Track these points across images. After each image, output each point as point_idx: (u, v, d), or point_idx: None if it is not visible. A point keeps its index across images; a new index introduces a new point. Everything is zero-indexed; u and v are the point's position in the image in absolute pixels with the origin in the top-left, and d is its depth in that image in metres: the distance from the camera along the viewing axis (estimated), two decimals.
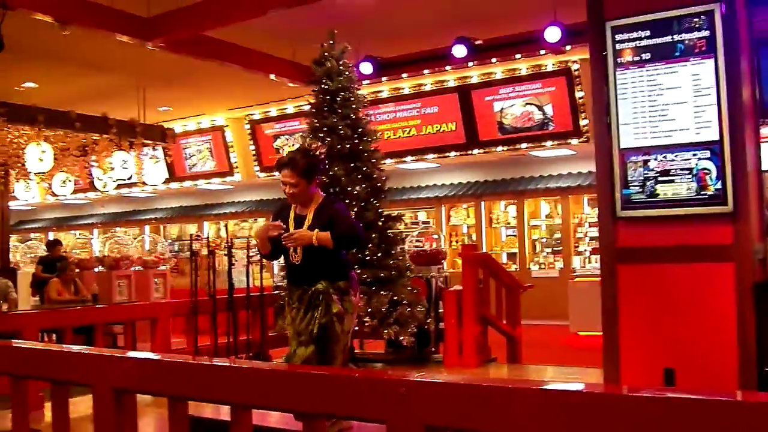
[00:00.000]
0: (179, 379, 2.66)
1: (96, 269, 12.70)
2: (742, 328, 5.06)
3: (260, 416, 3.30)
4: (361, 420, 2.25)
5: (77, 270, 11.21)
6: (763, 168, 6.10)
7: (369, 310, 7.25)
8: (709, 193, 5.25)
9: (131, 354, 3.22)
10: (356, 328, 7.28)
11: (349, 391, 2.18)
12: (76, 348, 3.55)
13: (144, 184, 13.56)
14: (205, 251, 11.05)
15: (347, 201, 7.45)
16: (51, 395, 3.13)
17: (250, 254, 8.90)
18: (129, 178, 12.91)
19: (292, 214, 5.03)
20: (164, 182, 15.80)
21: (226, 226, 10.30)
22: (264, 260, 5.59)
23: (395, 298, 7.42)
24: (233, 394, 2.47)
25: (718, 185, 5.22)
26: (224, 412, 2.64)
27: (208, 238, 12.11)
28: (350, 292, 4.97)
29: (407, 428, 2.03)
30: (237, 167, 17.01)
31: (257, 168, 16.66)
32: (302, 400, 2.27)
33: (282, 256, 5.12)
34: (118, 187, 14.94)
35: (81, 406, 4.13)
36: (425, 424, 2.01)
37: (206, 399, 2.74)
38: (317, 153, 5.02)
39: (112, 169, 12.15)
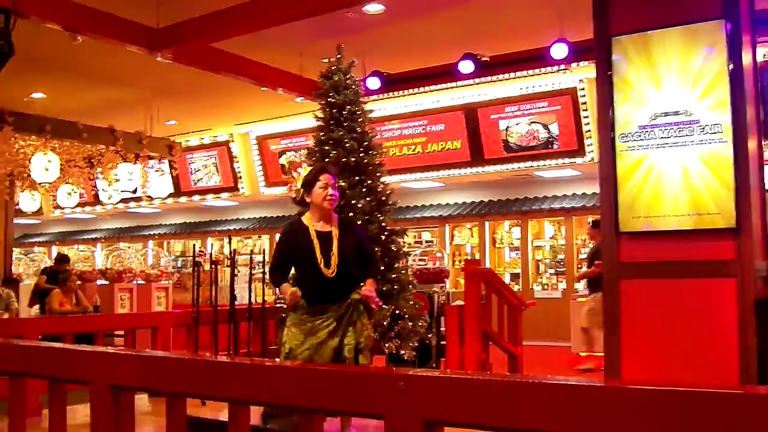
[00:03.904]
0: (177, 376, 2.64)
1: (98, 282, 12.70)
2: (744, 345, 5.04)
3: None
4: (360, 415, 2.23)
5: (79, 282, 11.20)
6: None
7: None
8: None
9: (130, 352, 3.21)
10: None
11: (348, 386, 2.17)
12: (73, 346, 3.55)
13: (149, 197, 13.59)
14: (208, 267, 11.05)
15: (351, 214, 7.45)
16: (48, 394, 3.11)
17: (253, 271, 8.88)
18: (134, 191, 12.95)
19: (313, 233, 5.07)
20: (169, 196, 15.83)
21: (230, 240, 10.27)
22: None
23: (397, 312, 7.40)
24: (231, 390, 2.46)
25: None
26: (223, 414, 2.62)
27: (211, 253, 12.11)
28: None
29: (406, 423, 2.01)
30: (242, 183, 17.03)
31: (262, 184, 16.67)
32: (300, 395, 2.26)
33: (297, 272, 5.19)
34: (123, 201, 14.99)
35: (78, 413, 4.12)
36: (425, 418, 1.99)
37: (204, 396, 2.72)
38: None
39: (117, 180, 12.20)
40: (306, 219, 5.17)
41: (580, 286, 14.12)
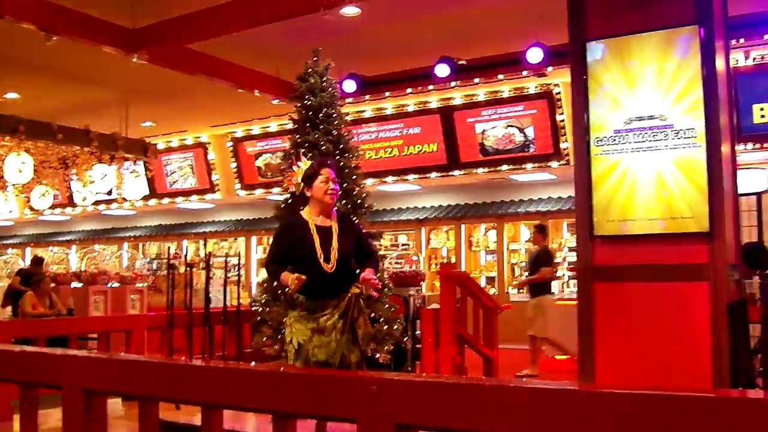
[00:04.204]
0: (149, 380, 2.63)
1: (72, 284, 12.59)
2: (717, 348, 5.08)
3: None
4: (332, 419, 2.23)
5: (53, 285, 11.10)
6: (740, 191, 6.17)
7: None
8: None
9: (102, 355, 3.19)
10: None
11: (321, 390, 2.17)
12: (45, 349, 3.51)
13: (123, 199, 13.50)
14: (183, 269, 10.99)
15: None
16: (20, 399, 3.08)
17: (228, 274, 8.86)
18: (109, 192, 12.86)
19: (312, 227, 4.97)
20: (144, 198, 15.73)
21: (205, 242, 10.26)
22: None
23: (372, 315, 7.38)
24: (204, 394, 2.45)
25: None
26: (197, 418, 2.60)
27: (186, 255, 12.07)
28: None
29: (378, 427, 2.01)
30: (218, 185, 16.97)
31: (238, 186, 16.61)
32: (273, 399, 2.25)
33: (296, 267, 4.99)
34: (98, 203, 14.87)
35: (51, 418, 4.07)
36: (396, 422, 1.99)
37: (176, 399, 2.71)
38: None
39: (92, 182, 12.11)
40: (305, 213, 5.07)
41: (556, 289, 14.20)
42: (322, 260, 4.86)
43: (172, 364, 2.70)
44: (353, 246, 5.04)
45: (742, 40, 9.09)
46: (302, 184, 5.09)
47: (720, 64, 5.57)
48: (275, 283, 7.68)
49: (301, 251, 4.92)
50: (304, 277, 4.77)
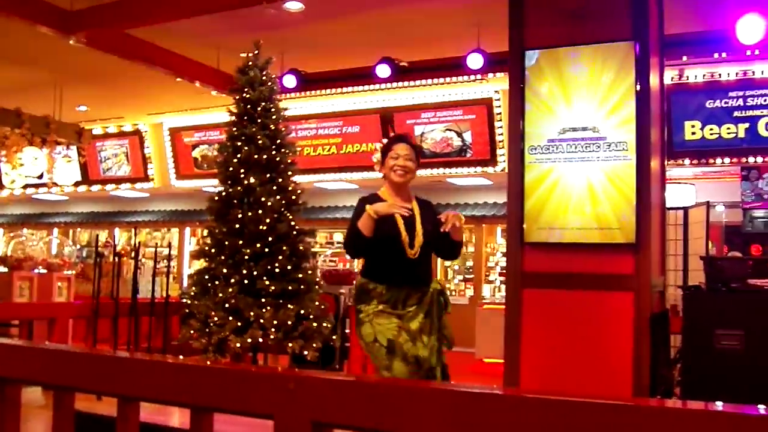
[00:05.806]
0: (64, 369, 2.57)
1: None
2: (638, 357, 5.19)
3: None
4: (249, 415, 2.21)
5: None
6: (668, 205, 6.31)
7: (275, 322, 7.17)
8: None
9: (15, 342, 3.11)
10: (260, 340, 7.21)
11: (238, 385, 2.15)
12: None
13: (54, 184, 13.22)
14: (112, 258, 10.80)
15: (260, 211, 7.37)
16: None
17: (158, 264, 8.73)
18: (39, 176, 12.57)
19: None
20: (76, 184, 15.42)
21: (135, 231, 10.10)
22: (350, 256, 4.86)
23: (302, 312, 7.35)
24: (120, 386, 2.40)
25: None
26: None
27: (115, 245, 11.88)
28: None
29: (295, 424, 2.00)
30: (153, 174, 16.72)
31: (174, 176, 16.39)
32: (189, 392, 2.22)
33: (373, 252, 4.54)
34: (27, 187, 14.54)
35: None
36: (313, 420, 1.98)
37: (91, 390, 2.66)
38: None
39: (22, 165, 11.82)
40: (382, 194, 4.66)
41: (488, 293, 14.33)
42: (406, 245, 4.44)
43: (86, 353, 2.65)
44: (434, 233, 4.51)
45: (685, 58, 9.26)
46: (380, 161, 4.72)
47: (654, 80, 5.69)
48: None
49: (384, 233, 4.43)
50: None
